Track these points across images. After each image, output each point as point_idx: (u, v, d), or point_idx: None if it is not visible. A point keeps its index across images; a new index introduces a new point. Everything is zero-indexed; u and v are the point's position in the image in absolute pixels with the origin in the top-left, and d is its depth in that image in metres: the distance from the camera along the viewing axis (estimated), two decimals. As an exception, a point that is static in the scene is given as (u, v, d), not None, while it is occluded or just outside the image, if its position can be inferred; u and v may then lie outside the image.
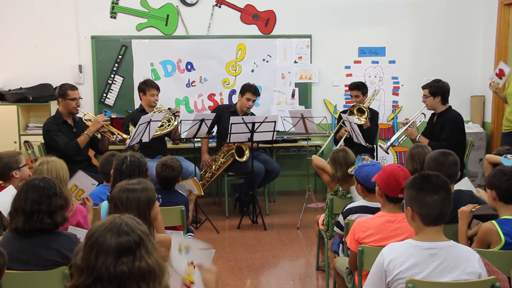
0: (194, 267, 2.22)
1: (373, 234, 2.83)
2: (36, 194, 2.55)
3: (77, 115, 5.37)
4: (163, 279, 1.77)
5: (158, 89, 5.73)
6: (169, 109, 5.75)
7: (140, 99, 5.80)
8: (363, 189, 3.35)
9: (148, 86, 5.69)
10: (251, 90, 5.96)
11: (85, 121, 5.32)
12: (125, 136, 5.21)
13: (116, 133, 5.27)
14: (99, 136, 5.33)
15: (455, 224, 3.17)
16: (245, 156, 5.81)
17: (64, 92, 5.22)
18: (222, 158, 5.97)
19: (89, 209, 3.46)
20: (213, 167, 6.03)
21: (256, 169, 5.71)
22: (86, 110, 5.78)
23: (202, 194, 4.51)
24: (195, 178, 4.54)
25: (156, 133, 5.42)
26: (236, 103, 6.17)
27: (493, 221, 2.77)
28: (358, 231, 2.88)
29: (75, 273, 1.74)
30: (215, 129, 6.17)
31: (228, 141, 5.53)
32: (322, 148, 6.07)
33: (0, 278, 2.00)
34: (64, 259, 2.52)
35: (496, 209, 2.89)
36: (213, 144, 6.32)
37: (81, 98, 5.37)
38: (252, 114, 6.06)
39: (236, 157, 5.81)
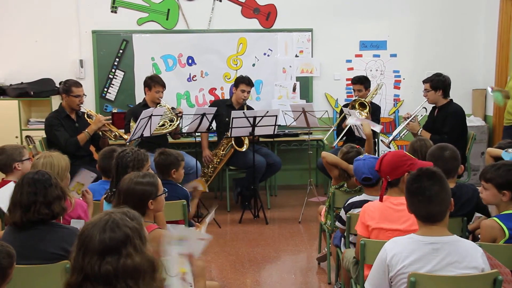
0: (183, 257, 2.22)
1: (379, 217, 2.88)
2: (31, 187, 2.56)
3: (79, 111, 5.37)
4: (156, 274, 1.77)
5: (164, 86, 5.71)
6: (172, 108, 5.74)
7: (145, 93, 5.79)
8: (357, 182, 3.49)
9: (154, 82, 5.68)
10: (244, 81, 5.95)
11: (87, 118, 5.32)
12: (125, 137, 5.21)
13: (117, 133, 5.28)
14: (100, 133, 5.33)
15: (458, 218, 3.17)
16: (244, 146, 5.81)
17: (68, 88, 5.20)
18: (222, 151, 5.97)
19: (89, 202, 3.45)
20: (215, 161, 6.03)
21: (257, 163, 5.71)
22: (87, 104, 5.78)
23: (207, 190, 4.49)
24: (199, 178, 4.56)
25: (156, 131, 5.41)
26: (232, 97, 6.17)
27: (494, 218, 2.74)
28: (366, 216, 2.92)
29: (70, 271, 1.77)
30: (213, 125, 6.16)
31: (229, 135, 5.53)
32: (324, 138, 6.08)
33: (5, 279, 2.00)
34: (66, 253, 2.52)
35: (497, 205, 2.87)
36: (214, 138, 6.32)
37: (85, 95, 5.37)
38: (249, 107, 6.04)
39: (236, 147, 5.80)
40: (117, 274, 1.68)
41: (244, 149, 5.81)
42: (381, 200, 2.95)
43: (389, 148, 6.37)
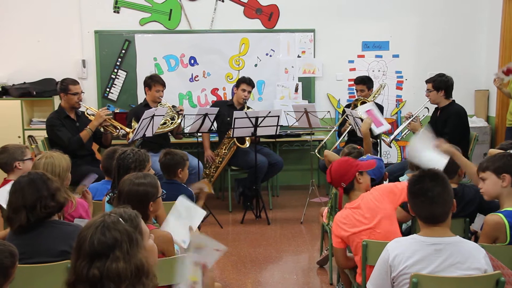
0: (197, 266, 2.21)
1: (348, 225, 2.94)
2: (31, 187, 2.57)
3: (80, 109, 5.37)
4: (143, 279, 1.76)
5: (163, 85, 5.73)
6: (173, 106, 5.75)
7: (145, 93, 5.80)
8: None
9: (154, 82, 5.69)
10: (245, 81, 5.99)
11: (87, 115, 5.32)
12: (128, 130, 5.20)
13: (119, 127, 5.27)
14: (102, 130, 5.33)
15: (460, 219, 3.17)
16: (246, 143, 5.83)
17: (66, 87, 5.21)
18: (224, 150, 5.97)
19: (89, 202, 3.46)
20: (217, 160, 6.03)
21: (259, 163, 5.71)
22: (90, 104, 5.80)
23: (212, 192, 4.47)
24: (205, 179, 4.55)
25: (158, 130, 5.42)
26: (233, 97, 6.19)
27: (500, 215, 2.69)
28: (338, 228, 2.98)
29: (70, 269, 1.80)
30: (215, 125, 6.15)
31: (232, 136, 5.54)
32: (324, 141, 6.07)
33: (8, 279, 2.00)
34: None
35: (499, 196, 2.83)
36: (215, 139, 6.32)
37: (83, 92, 5.37)
38: (248, 107, 6.04)
39: (238, 144, 5.82)
40: (102, 278, 1.71)
41: (247, 146, 5.83)
42: (340, 208, 3.09)
43: (390, 147, 6.37)
